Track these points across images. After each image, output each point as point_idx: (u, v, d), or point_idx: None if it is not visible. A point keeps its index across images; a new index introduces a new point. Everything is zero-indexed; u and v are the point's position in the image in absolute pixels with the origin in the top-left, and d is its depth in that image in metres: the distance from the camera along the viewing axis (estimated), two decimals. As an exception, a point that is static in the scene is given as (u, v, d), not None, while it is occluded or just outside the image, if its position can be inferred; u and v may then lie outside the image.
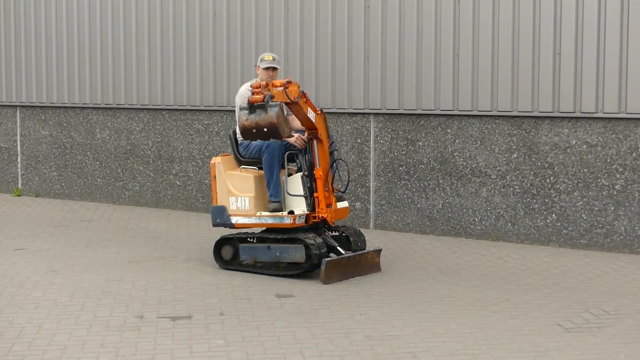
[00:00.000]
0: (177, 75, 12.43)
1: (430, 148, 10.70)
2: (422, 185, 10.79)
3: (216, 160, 9.17)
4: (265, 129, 7.92)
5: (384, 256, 9.38)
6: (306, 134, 8.99)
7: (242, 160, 9.18)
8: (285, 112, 8.26)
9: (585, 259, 9.45)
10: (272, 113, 7.89)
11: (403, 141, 10.87)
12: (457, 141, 10.53)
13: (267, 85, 8.05)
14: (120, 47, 12.88)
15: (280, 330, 6.99)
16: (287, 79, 8.38)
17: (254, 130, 7.96)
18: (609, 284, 8.40)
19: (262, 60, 9.13)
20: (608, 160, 9.68)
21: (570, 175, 9.88)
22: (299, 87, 8.39)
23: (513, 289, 8.23)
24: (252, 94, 8.07)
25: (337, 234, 9.17)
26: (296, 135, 8.93)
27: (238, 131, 9.24)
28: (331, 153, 8.93)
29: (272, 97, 8.04)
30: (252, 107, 8.03)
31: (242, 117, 7.99)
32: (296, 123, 9.35)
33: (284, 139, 8.45)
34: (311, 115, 8.55)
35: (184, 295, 8.06)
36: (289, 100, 8.25)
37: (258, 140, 8.96)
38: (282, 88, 8.20)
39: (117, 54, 12.92)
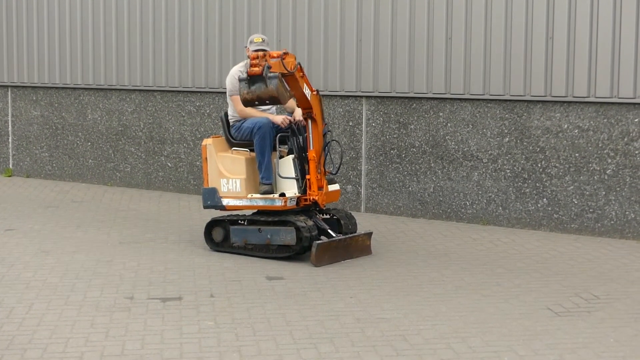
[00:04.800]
0: (169, 56, 12.39)
1: (422, 131, 10.69)
2: (413, 168, 10.79)
3: (207, 142, 9.16)
4: (267, 101, 8.15)
5: (375, 239, 9.39)
6: (294, 115, 9.00)
7: (233, 142, 9.17)
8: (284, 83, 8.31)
9: (575, 243, 9.47)
10: (272, 86, 8.04)
11: (395, 124, 10.86)
12: (449, 125, 10.53)
13: (264, 55, 8.11)
14: (112, 27, 12.83)
15: (270, 312, 7.00)
16: (284, 50, 8.37)
17: (256, 102, 8.18)
18: (599, 269, 8.42)
19: (251, 42, 9.12)
20: (600, 145, 9.69)
21: (562, 160, 9.89)
22: (295, 59, 8.42)
23: (503, 273, 8.24)
24: (250, 65, 8.12)
25: (328, 216, 9.17)
26: (282, 116, 8.95)
27: (230, 111, 9.25)
28: (324, 135, 8.93)
29: (269, 67, 8.11)
30: (251, 79, 8.10)
31: (242, 90, 8.14)
32: (290, 104, 9.35)
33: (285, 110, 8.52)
34: (307, 92, 8.55)
35: (174, 276, 8.06)
36: (285, 71, 8.27)
37: (249, 122, 8.98)
38: (279, 59, 8.22)
39: (109, 34, 12.87)
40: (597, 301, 7.35)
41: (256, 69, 8.04)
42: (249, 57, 9.16)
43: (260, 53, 8.20)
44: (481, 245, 9.38)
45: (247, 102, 8.21)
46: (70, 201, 11.87)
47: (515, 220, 10.22)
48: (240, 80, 8.19)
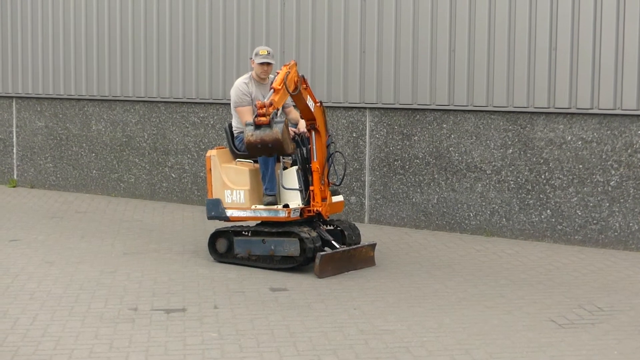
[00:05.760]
0: (173, 67, 12.42)
1: (425, 143, 10.70)
2: (417, 180, 10.80)
3: (212, 153, 9.18)
4: (270, 145, 8.14)
5: (379, 250, 9.39)
6: (298, 127, 9.03)
7: (237, 153, 9.19)
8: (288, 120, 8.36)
9: (579, 255, 9.46)
10: (277, 129, 8.09)
11: (398, 136, 10.87)
12: (452, 136, 10.54)
13: (270, 104, 8.13)
14: (117, 38, 12.86)
15: (274, 323, 7.00)
16: (286, 70, 8.36)
17: (259, 146, 8.18)
18: (602, 280, 8.41)
19: (256, 54, 9.14)
20: (603, 157, 9.69)
21: (565, 171, 9.89)
22: (297, 71, 8.46)
23: (507, 285, 8.24)
24: (257, 115, 8.14)
25: (331, 227, 9.18)
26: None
27: (234, 122, 9.26)
28: (328, 146, 8.95)
29: (277, 114, 8.20)
30: (257, 125, 8.17)
31: (247, 133, 8.19)
32: (293, 115, 9.36)
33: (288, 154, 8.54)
34: (310, 104, 8.59)
35: (178, 287, 8.07)
36: (290, 95, 8.34)
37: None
38: (282, 87, 8.24)
39: (113, 45, 12.90)
40: (601, 313, 7.34)
41: (263, 118, 8.09)
42: (253, 68, 9.23)
43: (267, 102, 8.18)
44: (485, 257, 9.38)
45: (250, 145, 8.21)
46: (74, 212, 11.89)
47: (519, 232, 10.22)
48: (246, 124, 8.27)
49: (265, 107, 8.12)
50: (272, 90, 8.35)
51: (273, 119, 8.11)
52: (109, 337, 6.63)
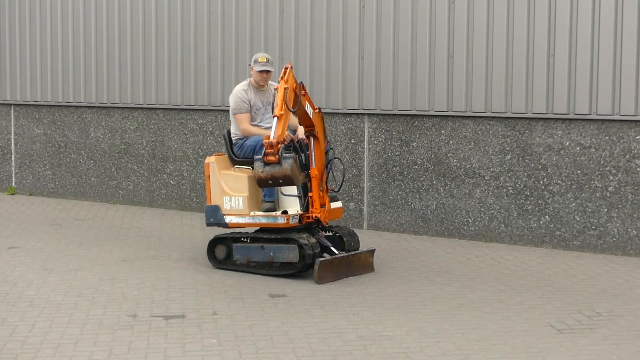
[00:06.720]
0: (171, 74, 12.43)
1: (424, 149, 10.71)
2: (415, 186, 10.80)
3: (210, 159, 9.19)
4: (280, 180, 8.14)
5: (378, 256, 9.39)
6: (297, 133, 9.03)
7: (236, 160, 9.20)
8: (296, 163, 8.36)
9: (578, 260, 9.47)
10: (287, 166, 8.06)
11: (397, 142, 10.88)
12: (451, 142, 10.55)
13: (278, 142, 8.06)
14: (115, 46, 12.87)
15: (273, 329, 7.00)
16: (283, 85, 8.27)
17: (270, 182, 8.16)
18: (601, 286, 8.42)
19: (255, 61, 9.13)
20: (601, 162, 9.70)
21: (564, 177, 9.90)
22: (294, 80, 8.40)
23: (506, 290, 8.24)
24: (265, 153, 8.05)
25: (330, 234, 9.18)
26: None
27: (232, 129, 9.27)
28: (326, 152, 8.96)
29: (284, 149, 8.16)
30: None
31: (257, 169, 8.14)
32: (291, 121, 9.37)
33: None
34: (309, 110, 8.58)
35: (177, 294, 8.06)
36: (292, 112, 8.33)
37: (252, 140, 9.01)
38: (284, 110, 8.18)
39: (111, 52, 12.91)
40: (599, 318, 7.35)
41: (272, 158, 8.03)
42: (252, 75, 9.23)
43: (274, 141, 8.04)
44: (483, 262, 9.38)
45: (261, 181, 8.18)
46: (73, 219, 11.88)
47: (518, 237, 10.22)
48: (255, 159, 8.20)
49: (272, 146, 8.02)
50: (275, 117, 8.19)
51: (282, 155, 8.07)
52: (108, 344, 6.63)
